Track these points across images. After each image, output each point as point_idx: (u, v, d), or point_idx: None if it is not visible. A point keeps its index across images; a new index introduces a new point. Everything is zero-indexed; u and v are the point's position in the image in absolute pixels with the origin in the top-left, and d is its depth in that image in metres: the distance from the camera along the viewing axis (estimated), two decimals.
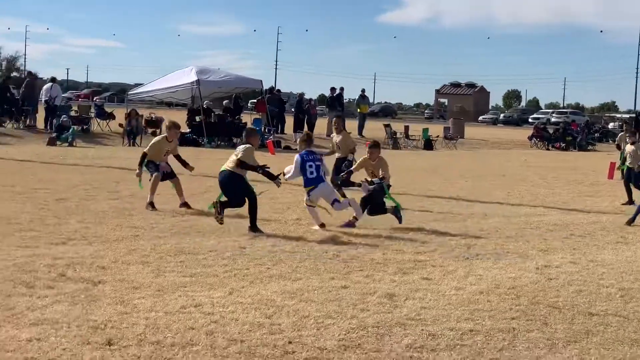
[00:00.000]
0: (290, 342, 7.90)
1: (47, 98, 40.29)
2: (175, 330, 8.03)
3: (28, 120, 40.79)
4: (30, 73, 48.18)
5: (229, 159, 14.72)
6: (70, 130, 36.75)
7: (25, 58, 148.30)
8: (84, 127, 40.70)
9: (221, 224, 14.30)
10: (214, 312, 8.80)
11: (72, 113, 42.32)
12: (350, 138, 20.26)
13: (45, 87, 41.45)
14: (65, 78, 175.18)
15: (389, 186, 16.16)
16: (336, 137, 19.68)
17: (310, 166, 15.33)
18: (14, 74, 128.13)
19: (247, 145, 14.80)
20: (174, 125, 17.42)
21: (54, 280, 9.94)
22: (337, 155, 19.61)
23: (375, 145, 16.36)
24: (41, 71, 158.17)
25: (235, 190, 14.52)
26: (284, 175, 15.58)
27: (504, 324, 8.89)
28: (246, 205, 14.46)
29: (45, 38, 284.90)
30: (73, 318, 8.26)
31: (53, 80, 42.54)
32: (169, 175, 17.17)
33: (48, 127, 39.57)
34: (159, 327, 8.10)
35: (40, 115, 40.94)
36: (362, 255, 12.54)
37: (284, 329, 8.32)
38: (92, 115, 43.23)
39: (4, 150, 31.06)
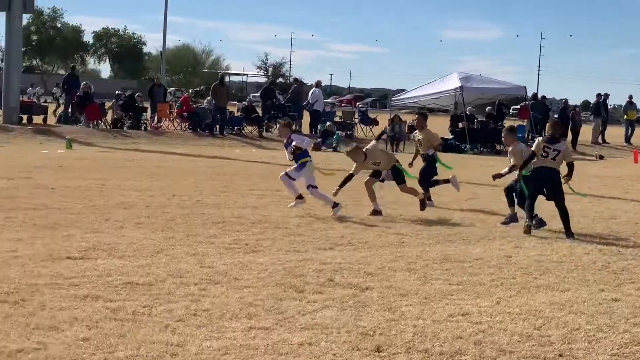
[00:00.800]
0: (560, 355, 7.72)
1: (310, 102, 41.25)
2: (443, 339, 8.00)
3: (294, 126, 41.81)
4: (296, 79, 49.39)
5: (553, 158, 14.70)
6: (335, 136, 37.45)
7: (290, 64, 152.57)
8: (348, 132, 41.37)
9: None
10: (481, 321, 8.72)
11: (336, 119, 43.15)
12: (432, 134, 19.14)
13: (310, 91, 42.51)
14: (329, 83, 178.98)
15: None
16: (418, 134, 18.94)
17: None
18: (280, 79, 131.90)
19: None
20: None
21: (322, 285, 10.12)
22: (420, 152, 18.84)
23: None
24: (305, 77, 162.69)
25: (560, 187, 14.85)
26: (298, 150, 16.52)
27: None
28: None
29: (310, 44, 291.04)
30: (342, 324, 8.38)
31: (317, 84, 43.42)
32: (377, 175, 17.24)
33: (313, 132, 40.48)
34: (427, 335, 8.09)
35: (306, 120, 41.95)
36: (632, 267, 12.14)
37: (554, 341, 8.14)
38: (356, 120, 43.91)
39: (271, 155, 31.93)
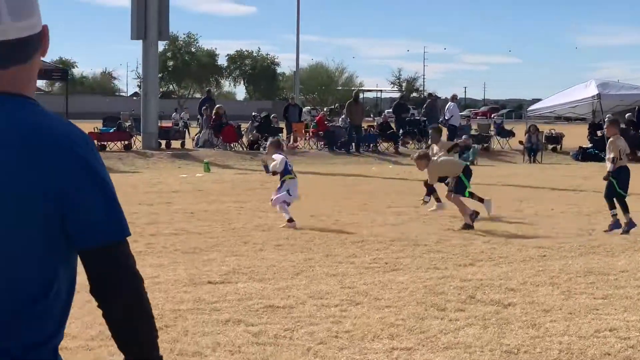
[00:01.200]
0: None
1: (446, 117, 41.02)
2: (590, 356, 7.80)
3: (430, 141, 41.61)
4: (430, 94, 49.23)
5: None
6: (471, 150, 37.12)
7: (424, 78, 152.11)
8: (484, 145, 41.01)
9: None
10: (630, 336, 8.47)
11: (472, 132, 42.79)
12: (445, 144, 19.81)
13: (445, 105, 42.33)
14: (463, 96, 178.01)
15: None
16: (435, 148, 19.21)
17: (289, 165, 16.91)
18: (414, 94, 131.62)
19: None
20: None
21: (464, 302, 9.98)
22: None
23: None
24: (439, 90, 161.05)
25: None
26: (268, 172, 17.13)
27: None
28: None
29: (442, 58, 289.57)
30: (485, 342, 8.24)
31: (452, 98, 43.20)
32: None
33: None
34: (573, 352, 7.89)
35: (442, 135, 41.66)
36: None
37: None
38: (492, 133, 43.50)
39: (408, 171, 31.80)
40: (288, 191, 16.42)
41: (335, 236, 15.05)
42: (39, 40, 2.83)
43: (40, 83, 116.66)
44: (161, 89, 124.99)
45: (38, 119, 2.75)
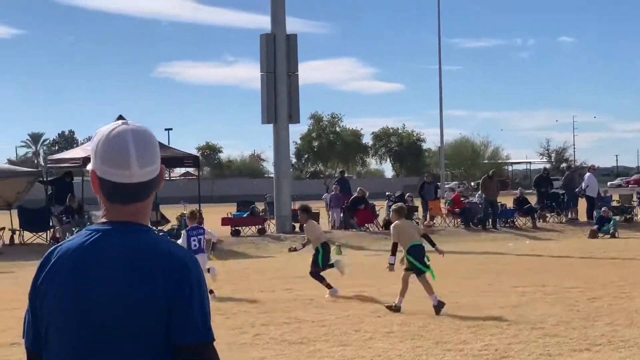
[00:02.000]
0: None
1: (582, 187, 40.08)
2: None
3: (569, 214, 40.66)
4: (569, 167, 48.37)
5: None
6: (612, 222, 35.99)
7: (574, 148, 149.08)
8: (627, 216, 39.77)
9: None
10: None
11: (614, 203, 41.62)
12: (313, 229, 19.21)
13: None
14: (615, 165, 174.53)
15: None
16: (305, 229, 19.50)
17: (194, 240, 17.63)
18: (563, 164, 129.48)
19: None
20: None
21: None
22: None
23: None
24: (590, 159, 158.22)
25: None
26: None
27: None
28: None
29: (592, 126, 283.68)
30: None
31: (590, 169, 42.18)
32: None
33: (588, 219, 39.10)
34: None
35: (581, 207, 40.65)
36: None
37: None
38: (635, 203, 42.22)
39: (544, 246, 31.09)
40: None
41: (450, 321, 14.60)
42: (157, 180, 3.38)
43: (190, 169, 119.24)
44: (308, 170, 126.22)
45: (153, 242, 3.30)
